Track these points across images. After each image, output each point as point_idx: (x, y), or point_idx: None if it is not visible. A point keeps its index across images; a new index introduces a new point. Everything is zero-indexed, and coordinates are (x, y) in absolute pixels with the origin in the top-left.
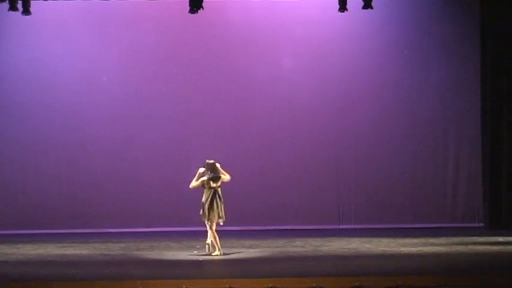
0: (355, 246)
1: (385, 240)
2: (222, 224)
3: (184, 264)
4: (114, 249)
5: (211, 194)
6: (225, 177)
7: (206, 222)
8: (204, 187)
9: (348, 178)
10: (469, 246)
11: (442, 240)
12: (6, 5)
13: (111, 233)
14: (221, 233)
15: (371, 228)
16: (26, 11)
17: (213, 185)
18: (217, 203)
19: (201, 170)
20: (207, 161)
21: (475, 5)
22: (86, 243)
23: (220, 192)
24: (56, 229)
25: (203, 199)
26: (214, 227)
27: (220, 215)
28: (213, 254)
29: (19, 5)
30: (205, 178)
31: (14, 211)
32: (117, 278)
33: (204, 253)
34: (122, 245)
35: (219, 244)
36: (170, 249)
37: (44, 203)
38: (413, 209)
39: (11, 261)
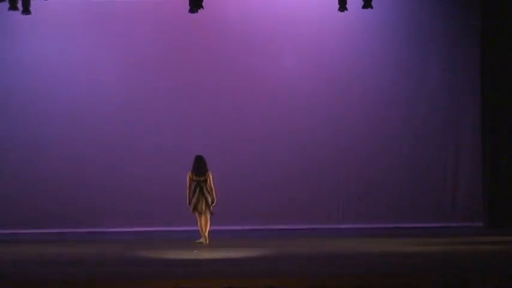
0: (355, 246)
1: (385, 240)
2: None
3: (184, 264)
4: (114, 249)
5: (195, 186)
6: (210, 178)
7: (192, 212)
8: (192, 180)
9: (348, 178)
10: (469, 246)
11: (442, 240)
12: (6, 4)
13: (111, 232)
14: (221, 233)
15: (371, 228)
16: (26, 10)
17: (195, 178)
18: (199, 197)
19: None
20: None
21: (476, 5)
22: (86, 243)
23: (205, 187)
24: (56, 229)
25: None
26: (202, 217)
27: (203, 208)
28: (197, 241)
29: (19, 4)
30: (189, 173)
31: (14, 211)
32: (117, 278)
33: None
34: (122, 245)
35: (205, 233)
36: (170, 249)
37: (44, 203)
38: (413, 209)
39: (11, 261)
